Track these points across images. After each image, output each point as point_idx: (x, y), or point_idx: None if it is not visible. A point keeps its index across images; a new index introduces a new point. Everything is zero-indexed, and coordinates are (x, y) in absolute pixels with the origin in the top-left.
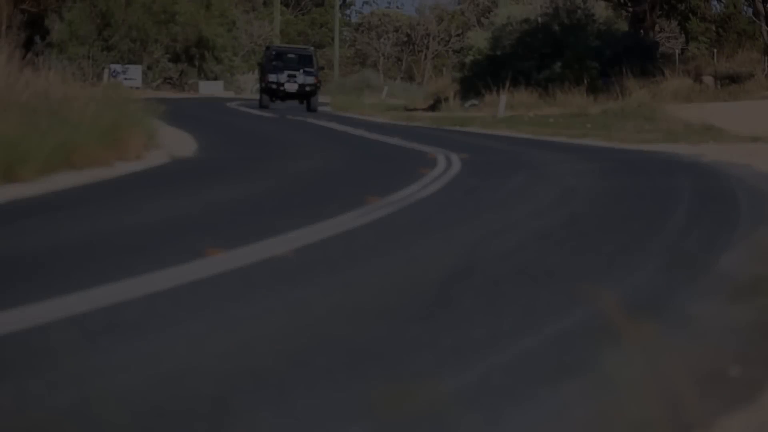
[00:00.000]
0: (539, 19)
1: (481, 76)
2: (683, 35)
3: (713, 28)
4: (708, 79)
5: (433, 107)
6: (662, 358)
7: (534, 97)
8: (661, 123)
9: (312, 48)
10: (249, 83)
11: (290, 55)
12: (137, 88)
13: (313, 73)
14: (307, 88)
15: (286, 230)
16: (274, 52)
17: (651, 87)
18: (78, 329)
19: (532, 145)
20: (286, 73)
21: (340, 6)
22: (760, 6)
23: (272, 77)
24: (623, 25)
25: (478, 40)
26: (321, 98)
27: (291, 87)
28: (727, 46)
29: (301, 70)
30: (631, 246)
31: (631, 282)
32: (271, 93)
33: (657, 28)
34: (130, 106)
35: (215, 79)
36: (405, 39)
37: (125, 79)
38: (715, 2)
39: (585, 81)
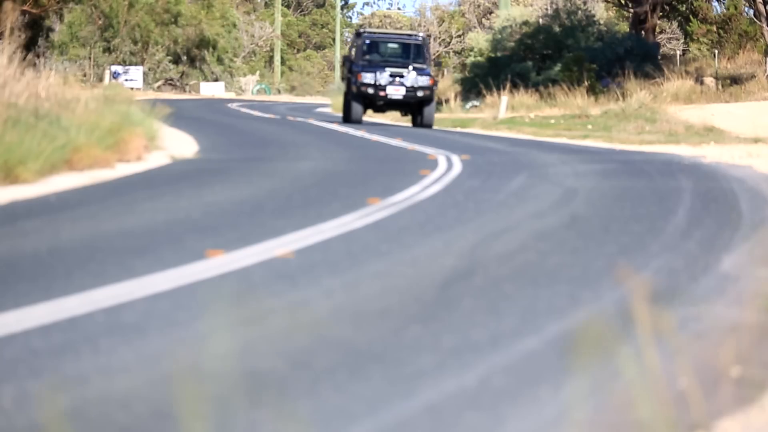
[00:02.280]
0: (540, 21)
1: (482, 78)
2: (684, 36)
3: (714, 29)
4: (709, 81)
5: None
6: (663, 359)
7: (535, 99)
8: (662, 124)
9: (422, 35)
10: (249, 84)
11: (392, 45)
12: (138, 89)
13: (427, 72)
14: (420, 94)
15: (286, 231)
16: (367, 41)
17: (652, 88)
18: (79, 330)
19: (532, 146)
20: (388, 71)
21: (342, 7)
22: (761, 7)
23: (367, 77)
24: (624, 27)
25: (479, 41)
26: (320, 99)
27: (395, 92)
28: (728, 47)
29: (410, 67)
30: (632, 247)
31: (632, 283)
32: (366, 101)
33: (658, 29)
34: (130, 107)
35: (216, 80)
36: None
37: (126, 80)
38: (716, 3)
39: (585, 82)
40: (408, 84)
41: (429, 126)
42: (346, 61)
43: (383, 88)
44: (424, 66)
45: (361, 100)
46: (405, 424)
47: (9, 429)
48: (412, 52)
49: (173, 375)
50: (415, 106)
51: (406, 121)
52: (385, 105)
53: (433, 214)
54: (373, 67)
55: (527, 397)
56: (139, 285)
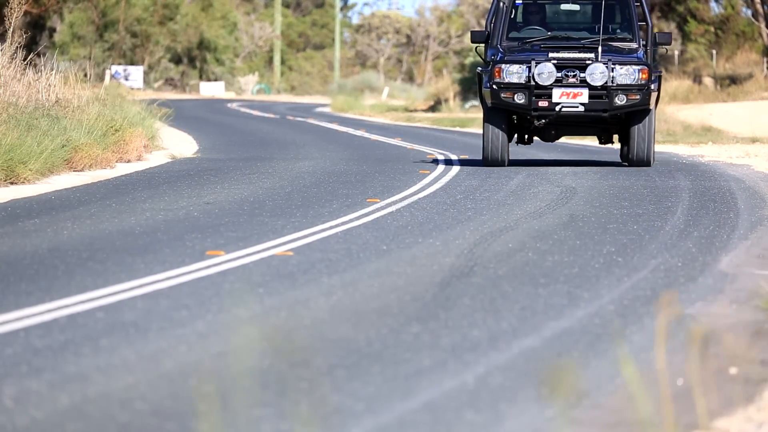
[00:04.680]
0: None
1: (482, 77)
2: (682, 37)
3: (712, 29)
4: (707, 81)
5: (433, 108)
6: (661, 357)
7: None
8: (660, 124)
9: None
10: (249, 84)
11: (567, 7)
12: (138, 89)
13: (636, 56)
14: (620, 101)
15: (286, 231)
16: (518, 2)
17: None
18: (79, 329)
19: (531, 145)
20: (555, 58)
21: (341, 8)
22: (759, 7)
23: (513, 73)
24: None
25: None
26: (320, 98)
27: (570, 99)
28: (726, 47)
29: (599, 49)
30: (630, 246)
31: (629, 282)
32: (514, 119)
33: (656, 29)
34: (131, 107)
35: (216, 80)
36: (405, 40)
37: (126, 80)
38: (714, 4)
39: None
40: (595, 81)
41: (644, 162)
42: (478, 40)
43: (545, 92)
44: (632, 43)
45: (502, 118)
46: (404, 422)
47: (10, 427)
48: (604, 19)
49: (173, 373)
50: (615, 126)
51: (606, 152)
52: (553, 125)
53: (432, 213)
54: (525, 52)
55: (526, 395)
56: (140, 284)
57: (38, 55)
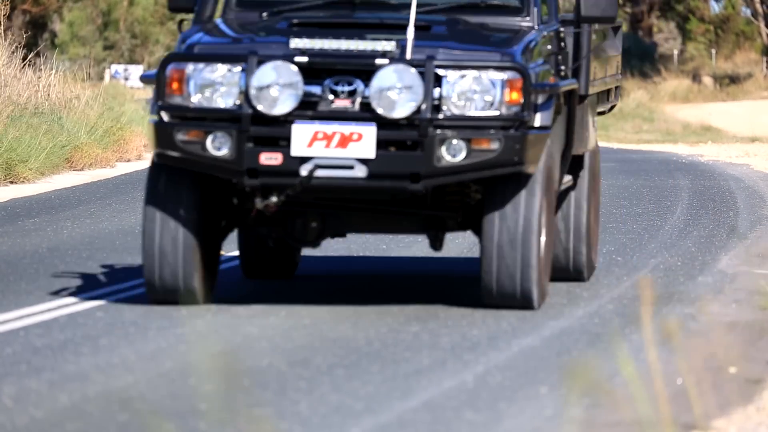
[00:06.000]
0: None
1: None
2: (682, 36)
3: (711, 28)
4: (706, 80)
5: None
6: (660, 357)
7: None
8: (659, 123)
9: None
10: None
11: None
12: (139, 88)
13: (501, 51)
14: (451, 157)
15: None
16: None
17: (649, 87)
18: (79, 328)
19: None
20: (300, 54)
21: None
22: (758, 7)
23: (213, 79)
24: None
25: None
26: None
27: (337, 148)
28: (726, 46)
29: (408, 30)
30: (629, 246)
31: (629, 281)
32: (204, 193)
33: (655, 28)
34: (131, 106)
35: None
36: None
37: (126, 79)
38: (714, 3)
39: None
40: (390, 109)
41: (513, 298)
42: (184, 6)
43: (276, 130)
44: (521, 17)
45: (183, 192)
46: (404, 421)
47: (9, 426)
48: None
49: (173, 373)
50: (453, 212)
51: None
52: (308, 210)
53: None
54: (251, 35)
55: (525, 395)
56: (139, 283)
57: (38, 54)
